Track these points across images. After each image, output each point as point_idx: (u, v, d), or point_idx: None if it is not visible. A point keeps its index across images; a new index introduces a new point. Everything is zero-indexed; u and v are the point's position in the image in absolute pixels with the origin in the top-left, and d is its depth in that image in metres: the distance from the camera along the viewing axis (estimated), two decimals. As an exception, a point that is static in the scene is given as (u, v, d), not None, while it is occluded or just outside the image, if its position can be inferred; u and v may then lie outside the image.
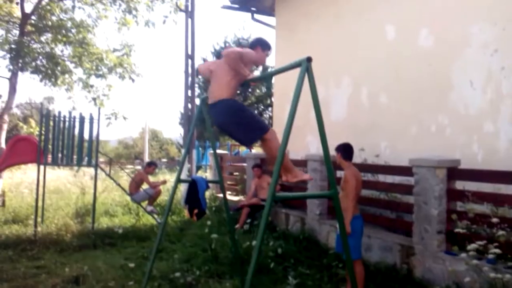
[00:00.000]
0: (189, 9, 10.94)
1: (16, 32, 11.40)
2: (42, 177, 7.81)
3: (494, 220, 3.94)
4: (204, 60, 25.23)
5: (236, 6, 11.10)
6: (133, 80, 12.34)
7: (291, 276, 4.77)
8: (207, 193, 8.66)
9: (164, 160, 37.43)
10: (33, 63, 10.96)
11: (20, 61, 10.56)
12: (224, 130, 3.84)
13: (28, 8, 11.34)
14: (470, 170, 4.77)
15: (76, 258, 6.08)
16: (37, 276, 5.24)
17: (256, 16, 11.43)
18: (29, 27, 11.32)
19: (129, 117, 12.26)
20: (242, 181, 9.64)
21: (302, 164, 7.33)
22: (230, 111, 3.65)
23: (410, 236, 5.03)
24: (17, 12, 11.43)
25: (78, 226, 7.56)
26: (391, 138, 6.85)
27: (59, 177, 14.26)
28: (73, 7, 11.65)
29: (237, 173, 10.44)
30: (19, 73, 11.05)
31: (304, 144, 8.66)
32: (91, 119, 7.77)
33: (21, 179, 13.44)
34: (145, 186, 8.91)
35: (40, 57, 11.17)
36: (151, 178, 9.39)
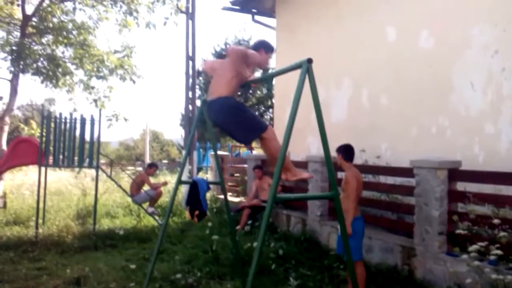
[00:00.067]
0: (190, 10, 10.95)
1: (17, 34, 11.44)
2: (43, 179, 7.82)
3: (495, 221, 3.93)
4: (206, 61, 25.23)
5: (237, 7, 11.11)
6: (134, 82, 12.38)
7: (292, 278, 4.77)
8: (208, 195, 8.68)
9: (165, 161, 37.42)
10: (34, 65, 11.00)
11: (21, 62, 10.60)
12: (221, 128, 3.83)
13: (29, 10, 11.40)
14: (471, 171, 4.77)
15: (77, 260, 6.08)
16: (38, 277, 5.24)
17: (257, 17, 11.44)
18: (30, 29, 11.35)
19: (130, 119, 12.32)
20: (243, 183, 9.64)
21: (303, 165, 7.33)
22: (229, 108, 3.63)
23: (411, 237, 5.03)
24: (18, 14, 11.47)
25: (79, 228, 7.56)
26: (392, 140, 6.85)
27: (60, 178, 14.27)
28: (74, 9, 11.71)
29: (238, 175, 10.45)
30: (20, 74, 11.09)
31: (305, 145, 8.66)
32: (92, 120, 7.78)
33: (22, 181, 13.45)
34: (146, 187, 8.92)
35: (41, 59, 11.21)
36: (152, 180, 9.40)
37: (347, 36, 7.94)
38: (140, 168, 20.40)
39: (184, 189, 10.00)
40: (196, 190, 4.35)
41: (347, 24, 7.95)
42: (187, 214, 4.52)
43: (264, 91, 25.31)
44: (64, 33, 11.26)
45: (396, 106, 6.83)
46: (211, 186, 5.90)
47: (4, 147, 10.49)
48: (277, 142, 3.67)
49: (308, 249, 6.12)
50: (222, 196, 7.75)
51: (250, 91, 24.63)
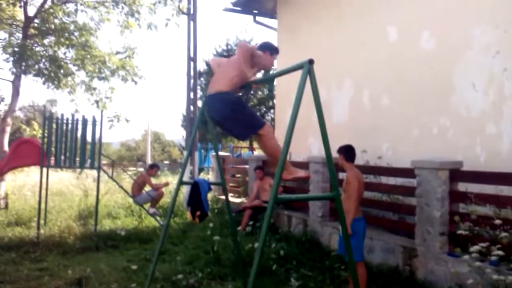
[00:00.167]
0: (191, 11, 10.96)
1: (19, 35, 11.47)
2: (45, 180, 7.83)
3: (497, 221, 3.93)
4: (207, 62, 25.29)
5: (238, 8, 11.13)
6: (135, 83, 12.39)
7: (294, 278, 4.77)
8: (209, 195, 8.68)
9: (167, 162, 37.43)
10: (36, 66, 11.02)
11: (23, 64, 10.62)
12: (218, 123, 3.83)
13: (31, 11, 11.42)
14: (472, 172, 4.76)
15: (79, 260, 6.09)
16: (40, 278, 5.25)
17: (258, 18, 11.45)
18: (32, 30, 11.38)
19: (131, 120, 12.31)
20: (244, 183, 9.64)
21: (304, 166, 7.33)
22: (228, 104, 3.63)
23: (412, 238, 5.02)
24: (20, 15, 11.51)
25: (80, 228, 7.57)
26: (393, 140, 6.85)
27: (62, 179, 14.29)
28: (76, 10, 11.73)
29: (239, 175, 10.45)
30: (22, 76, 11.11)
31: (306, 146, 8.66)
32: (94, 121, 7.80)
33: (24, 182, 13.48)
34: (147, 188, 8.93)
35: (43, 60, 11.23)
36: (153, 180, 9.41)
37: (348, 36, 7.95)
38: (141, 169, 20.41)
39: (185, 190, 10.00)
40: (197, 190, 4.35)
41: (348, 25, 7.96)
42: (188, 215, 4.53)
43: (266, 92, 25.32)
44: (66, 34, 11.28)
45: (398, 106, 6.83)
46: (212, 187, 5.90)
47: (6, 148, 10.51)
48: (275, 140, 3.68)
49: (309, 249, 6.12)
50: (223, 197, 7.75)
51: (252, 92, 24.64)
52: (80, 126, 7.77)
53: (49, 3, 11.43)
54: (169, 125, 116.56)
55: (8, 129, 11.17)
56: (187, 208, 5.29)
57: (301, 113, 3.09)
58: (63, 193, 11.91)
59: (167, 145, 48.07)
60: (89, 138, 7.81)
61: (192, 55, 10.89)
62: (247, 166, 9.72)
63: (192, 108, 11.03)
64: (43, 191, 7.74)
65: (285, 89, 9.75)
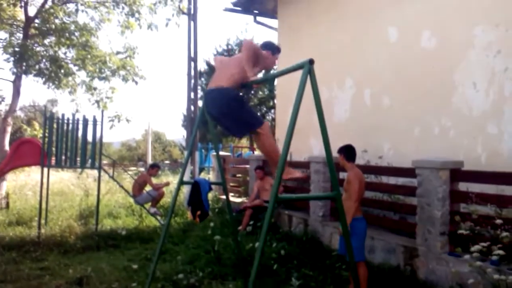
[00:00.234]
0: (192, 12, 10.97)
1: (19, 35, 11.47)
2: (46, 179, 7.84)
3: (498, 221, 3.92)
4: (207, 62, 25.30)
5: (239, 8, 11.13)
6: (136, 83, 12.38)
7: (294, 278, 4.77)
8: (210, 195, 8.68)
9: (167, 162, 37.47)
10: (37, 66, 11.03)
11: (24, 64, 10.63)
12: (216, 118, 3.82)
13: (32, 12, 11.42)
14: (473, 171, 4.76)
15: (80, 260, 6.10)
16: (41, 277, 5.26)
17: (259, 18, 11.46)
18: (32, 30, 11.38)
19: (132, 120, 12.28)
20: (244, 183, 9.64)
21: (305, 165, 7.34)
22: (227, 100, 3.62)
23: (413, 238, 5.02)
24: (21, 15, 11.51)
25: (81, 228, 7.58)
26: (394, 140, 6.84)
27: (62, 179, 14.32)
28: (77, 10, 11.72)
29: (239, 175, 10.45)
30: (23, 76, 11.11)
31: (307, 146, 8.66)
32: (95, 121, 7.81)
33: (25, 181, 13.50)
34: (148, 188, 8.93)
35: (44, 60, 11.23)
36: (154, 180, 9.41)
37: (349, 36, 7.94)
38: (142, 169, 20.42)
39: (186, 190, 10.01)
40: (198, 190, 4.36)
41: (349, 24, 7.96)
42: (189, 215, 4.53)
43: (266, 91, 25.33)
44: (67, 34, 11.28)
45: (399, 106, 6.82)
46: (213, 186, 5.91)
47: (7, 148, 10.52)
48: (272, 139, 3.68)
49: (310, 249, 6.12)
50: (224, 197, 7.76)
51: (252, 92, 24.64)
52: (80, 126, 7.78)
53: (49, 3, 11.44)
54: (170, 125, 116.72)
55: (9, 129, 11.17)
56: (187, 208, 5.30)
57: (302, 113, 3.08)
58: (64, 193, 11.92)
59: (168, 145, 48.09)
60: (89, 138, 7.83)
61: (192, 55, 10.89)
62: (247, 166, 9.72)
63: (192, 108, 11.03)
64: (44, 191, 7.75)
65: (286, 89, 9.75)
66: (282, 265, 5.38)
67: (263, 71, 4.17)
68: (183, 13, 11.42)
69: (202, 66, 25.18)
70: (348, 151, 4.61)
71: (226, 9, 11.25)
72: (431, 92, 6.22)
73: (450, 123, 5.95)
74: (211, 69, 24.17)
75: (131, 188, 8.81)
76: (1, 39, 11.31)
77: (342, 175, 5.72)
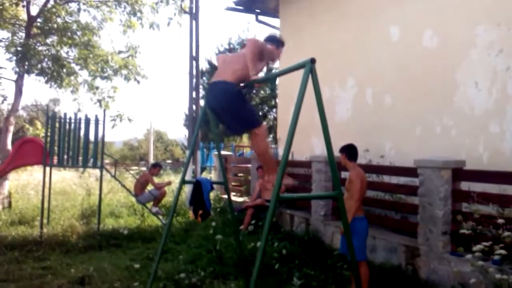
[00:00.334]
0: (194, 11, 10.97)
1: (22, 34, 11.51)
2: (48, 179, 7.86)
3: (500, 221, 3.92)
4: (209, 61, 25.28)
5: (241, 8, 11.11)
6: (138, 82, 12.40)
7: (296, 277, 4.77)
8: (212, 194, 8.69)
9: (169, 161, 37.47)
10: (39, 65, 11.05)
11: (26, 63, 10.65)
12: (216, 112, 3.83)
13: (34, 11, 11.46)
14: (475, 171, 4.75)
15: (82, 259, 6.11)
16: (43, 277, 5.28)
17: (260, 17, 11.44)
18: (35, 30, 11.41)
19: (134, 119, 12.31)
20: (246, 182, 9.65)
21: (306, 165, 7.34)
22: (230, 94, 3.63)
23: (415, 237, 5.01)
24: (23, 15, 11.54)
25: (83, 227, 7.60)
26: (396, 139, 6.83)
27: (64, 178, 14.34)
28: (79, 9, 11.75)
29: (241, 174, 10.46)
30: (25, 75, 11.14)
31: (308, 145, 8.65)
32: (97, 120, 7.82)
33: (27, 181, 13.53)
34: (150, 187, 8.94)
35: (46, 59, 11.26)
36: (156, 180, 9.42)
37: (351, 35, 7.93)
38: (144, 168, 20.45)
39: (188, 189, 10.02)
40: (199, 190, 4.37)
41: (351, 24, 7.94)
42: (190, 214, 4.54)
43: (268, 91, 25.29)
44: (69, 33, 11.31)
45: (401, 105, 6.81)
46: (214, 186, 5.90)
47: (9, 147, 10.54)
48: (267, 141, 3.73)
49: (311, 248, 6.12)
50: (225, 196, 7.75)
51: (254, 91, 24.61)
52: (83, 125, 7.79)
53: (51, 2, 11.46)
54: (172, 124, 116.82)
55: (11, 128, 11.20)
56: (189, 207, 5.30)
57: (303, 112, 3.08)
58: (66, 192, 11.94)
59: (170, 144, 48.08)
60: (91, 137, 7.83)
61: (194, 54, 10.90)
62: (249, 165, 9.72)
63: (194, 107, 11.04)
64: (46, 190, 7.77)
65: (287, 88, 9.74)
66: (284, 265, 5.39)
67: (265, 69, 4.19)
68: (185, 12, 11.44)
69: (204, 65, 25.12)
70: (350, 151, 4.60)
71: (228, 8, 11.23)
72: (433, 91, 6.21)
73: (452, 122, 5.94)
74: (213, 68, 24.15)
75: (133, 188, 8.82)
76: (3, 38, 11.35)
77: (344, 174, 5.72)
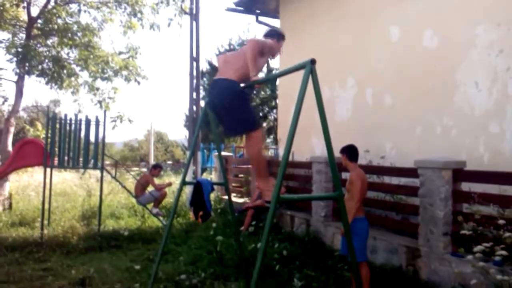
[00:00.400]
0: (194, 11, 10.98)
1: (22, 35, 11.52)
2: (49, 180, 7.87)
3: (501, 221, 3.90)
4: (209, 62, 25.29)
5: (241, 8, 11.12)
6: (138, 83, 12.41)
7: (297, 278, 4.77)
8: (212, 195, 8.68)
9: (169, 162, 37.49)
10: (40, 67, 11.07)
11: (27, 64, 10.66)
12: (217, 109, 3.83)
13: (35, 12, 11.48)
14: (476, 171, 4.75)
15: (82, 260, 6.11)
16: (44, 278, 5.27)
17: (261, 18, 11.43)
18: (35, 31, 11.42)
19: (134, 120, 12.32)
20: (247, 183, 9.64)
21: (307, 165, 7.33)
22: (232, 92, 3.64)
23: (415, 238, 5.00)
24: (24, 16, 11.55)
25: (84, 229, 7.60)
26: (396, 140, 6.83)
27: (65, 179, 14.35)
28: (79, 10, 11.77)
29: (242, 175, 10.44)
30: (26, 76, 11.15)
31: (309, 146, 8.65)
32: (97, 121, 7.82)
33: (27, 182, 13.54)
34: (150, 188, 8.94)
35: (46, 60, 11.28)
36: (156, 181, 9.42)
37: (351, 35, 7.93)
38: (144, 169, 20.45)
39: (188, 190, 10.02)
40: (200, 191, 4.36)
41: (351, 24, 7.94)
42: (191, 215, 4.54)
43: (268, 91, 25.30)
44: (69, 34, 11.32)
45: (401, 105, 6.81)
46: (215, 187, 5.88)
47: (10, 148, 10.55)
48: (261, 146, 3.76)
49: (312, 250, 6.11)
50: (226, 197, 7.75)
51: (254, 92, 24.62)
52: (83, 127, 7.80)
53: (52, 3, 11.47)
54: (172, 125, 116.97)
55: (12, 130, 11.21)
56: (190, 208, 5.30)
57: (304, 113, 3.08)
58: (66, 194, 11.95)
59: (170, 145, 48.11)
60: (92, 138, 7.84)
61: (194, 55, 10.91)
62: (249, 166, 9.70)
63: (195, 108, 11.04)
64: (47, 192, 7.77)
65: (287, 88, 9.74)
66: (284, 266, 5.38)
67: (266, 69, 4.21)
68: (185, 13, 11.44)
69: (204, 66, 25.15)
70: (350, 151, 4.60)
71: (228, 9, 11.24)
72: (433, 91, 6.20)
73: (452, 123, 5.93)
74: (213, 69, 24.17)
75: (134, 189, 8.82)
76: (4, 39, 11.36)
77: (344, 175, 5.71)
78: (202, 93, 12.15)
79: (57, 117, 8.07)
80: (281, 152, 10.20)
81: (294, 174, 8.08)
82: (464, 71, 5.78)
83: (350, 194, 4.43)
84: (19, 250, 6.49)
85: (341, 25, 8.20)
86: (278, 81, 13.62)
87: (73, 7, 11.91)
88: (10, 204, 9.99)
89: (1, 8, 10.83)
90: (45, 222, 7.55)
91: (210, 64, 25.20)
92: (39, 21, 11.46)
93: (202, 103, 11.75)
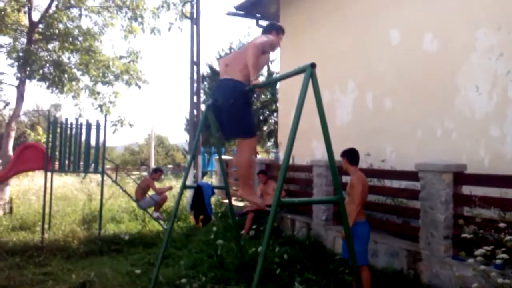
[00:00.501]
0: (194, 16, 11.00)
1: (23, 40, 11.57)
2: (49, 184, 7.86)
3: (502, 225, 3.90)
4: (210, 66, 25.35)
5: (241, 12, 11.16)
6: (139, 87, 12.44)
7: (297, 282, 4.76)
8: (213, 199, 8.68)
9: (170, 166, 37.48)
10: (41, 71, 11.11)
11: (28, 69, 10.71)
12: (218, 109, 3.84)
13: (36, 17, 11.53)
14: (476, 174, 4.74)
15: (83, 265, 6.10)
16: (44, 282, 5.26)
17: (261, 22, 11.48)
18: (36, 35, 11.47)
19: (135, 124, 12.35)
20: (247, 187, 9.62)
21: (307, 169, 7.33)
22: (238, 93, 3.68)
23: (416, 242, 5.00)
24: (25, 21, 11.60)
25: (84, 233, 7.58)
26: (397, 143, 6.83)
27: (66, 183, 14.33)
28: (80, 15, 11.82)
29: (242, 179, 10.41)
30: (27, 80, 11.18)
31: (309, 149, 8.66)
32: (98, 126, 7.83)
33: (28, 186, 13.52)
34: (151, 192, 8.95)
35: (47, 65, 11.32)
36: (157, 185, 9.42)
37: (351, 39, 7.95)
38: (145, 173, 20.45)
39: (188, 194, 10.01)
40: (200, 194, 4.36)
41: (351, 28, 7.96)
42: (191, 219, 4.53)
43: (269, 95, 25.33)
44: (70, 39, 11.37)
45: (401, 109, 6.81)
46: (215, 190, 5.90)
47: (11, 152, 10.56)
48: (250, 154, 3.76)
49: (313, 253, 6.11)
50: (226, 201, 7.75)
51: (255, 96, 24.65)
52: (84, 131, 7.80)
53: (53, 8, 11.52)
54: (173, 129, 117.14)
55: (13, 134, 11.23)
56: (190, 212, 5.29)
57: (304, 116, 3.09)
58: (67, 198, 11.93)
59: (171, 149, 48.13)
60: (93, 142, 7.84)
61: (195, 59, 10.92)
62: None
63: (195, 112, 11.05)
64: (47, 196, 7.77)
65: (288, 92, 9.75)
66: (285, 270, 5.37)
67: (266, 72, 4.25)
68: (186, 17, 11.48)
69: (205, 70, 25.21)
70: (351, 155, 4.60)
71: (229, 13, 11.28)
72: (433, 95, 6.21)
73: (452, 126, 5.93)
74: (213, 73, 24.22)
75: (134, 193, 8.83)
76: (5, 44, 11.40)
77: (345, 178, 5.71)
78: (202, 97, 12.18)
79: (58, 121, 8.08)
80: (281, 155, 10.19)
81: (294, 177, 8.08)
82: (465, 74, 5.79)
83: (351, 197, 4.43)
84: (19, 255, 6.47)
85: (341, 29, 8.22)
86: (278, 85, 13.63)
87: (74, 11, 11.97)
88: (11, 209, 9.99)
89: (3, 13, 10.88)
90: (46, 226, 7.54)
91: (211, 68, 25.26)
92: (40, 25, 11.51)
93: (203, 107, 11.77)
